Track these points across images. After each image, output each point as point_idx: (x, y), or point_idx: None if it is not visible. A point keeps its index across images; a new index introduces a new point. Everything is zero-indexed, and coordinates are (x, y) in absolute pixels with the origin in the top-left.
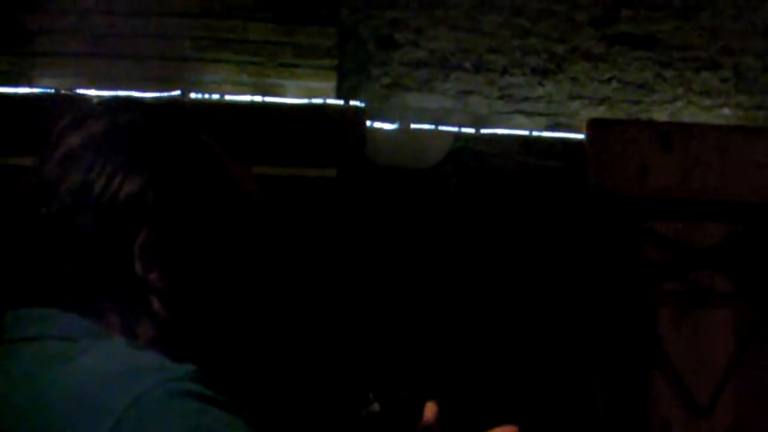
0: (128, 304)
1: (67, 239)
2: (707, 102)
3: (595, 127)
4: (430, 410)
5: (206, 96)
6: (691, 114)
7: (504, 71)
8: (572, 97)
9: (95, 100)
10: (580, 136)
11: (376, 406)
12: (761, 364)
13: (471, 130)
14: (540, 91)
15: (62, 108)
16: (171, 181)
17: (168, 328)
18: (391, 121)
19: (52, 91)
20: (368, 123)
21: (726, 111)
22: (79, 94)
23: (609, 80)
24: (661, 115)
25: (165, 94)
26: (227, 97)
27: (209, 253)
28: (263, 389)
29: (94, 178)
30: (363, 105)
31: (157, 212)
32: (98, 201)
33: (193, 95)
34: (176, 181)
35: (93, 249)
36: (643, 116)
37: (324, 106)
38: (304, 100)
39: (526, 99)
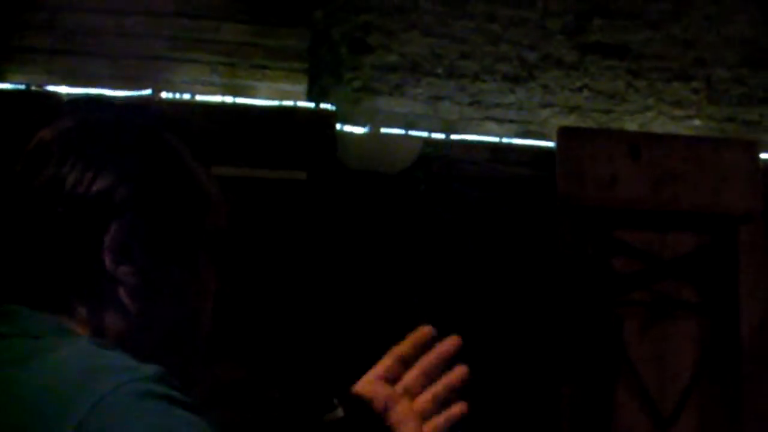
0: (97, 298)
1: (37, 235)
2: (678, 112)
3: (565, 135)
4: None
5: (177, 96)
6: (661, 124)
7: (475, 77)
8: (543, 105)
9: (65, 98)
10: (551, 144)
11: (339, 412)
12: (725, 375)
13: (441, 136)
14: (511, 98)
15: (33, 104)
16: (139, 178)
17: (136, 325)
18: (362, 125)
19: (23, 87)
20: (338, 126)
21: (697, 122)
22: (50, 91)
23: (580, 89)
24: (631, 125)
25: (136, 92)
26: (198, 98)
27: (175, 248)
28: (229, 392)
29: (65, 173)
30: (333, 108)
31: (126, 208)
32: (69, 196)
33: (164, 95)
34: (144, 178)
35: (63, 244)
36: (614, 125)
37: (294, 109)
38: (275, 102)
39: (496, 105)
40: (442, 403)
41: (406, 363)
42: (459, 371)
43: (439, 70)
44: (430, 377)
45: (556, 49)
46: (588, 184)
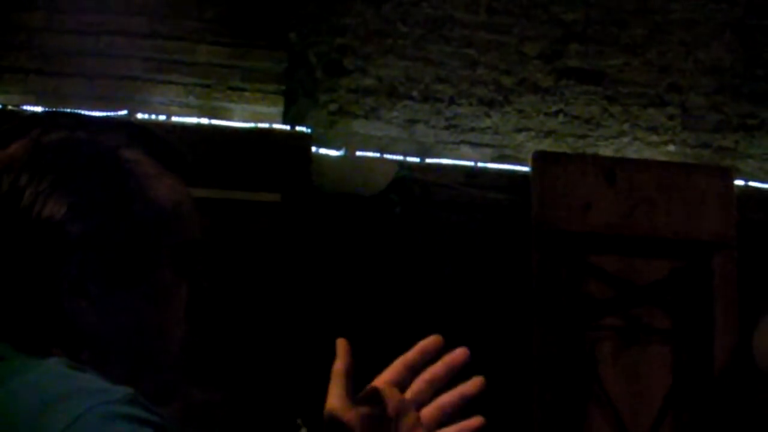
0: (59, 331)
1: None
2: (653, 138)
3: (540, 159)
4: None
5: (153, 117)
6: (636, 150)
7: (451, 101)
8: (518, 129)
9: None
10: (526, 168)
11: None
12: (698, 401)
13: (416, 159)
14: (486, 122)
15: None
16: (91, 211)
17: (100, 352)
18: (337, 148)
19: None
20: (314, 149)
21: (672, 148)
22: (26, 111)
23: (556, 113)
24: (606, 150)
25: (112, 113)
26: (174, 119)
27: (134, 274)
28: (203, 413)
29: (15, 199)
30: (309, 131)
31: (78, 243)
32: (20, 224)
33: (140, 115)
34: (96, 209)
35: (16, 274)
36: (589, 150)
37: (270, 131)
38: (251, 124)
39: (472, 129)
40: (450, 415)
41: (413, 371)
42: (475, 382)
43: (415, 94)
44: (437, 387)
45: (532, 73)
46: (562, 208)
